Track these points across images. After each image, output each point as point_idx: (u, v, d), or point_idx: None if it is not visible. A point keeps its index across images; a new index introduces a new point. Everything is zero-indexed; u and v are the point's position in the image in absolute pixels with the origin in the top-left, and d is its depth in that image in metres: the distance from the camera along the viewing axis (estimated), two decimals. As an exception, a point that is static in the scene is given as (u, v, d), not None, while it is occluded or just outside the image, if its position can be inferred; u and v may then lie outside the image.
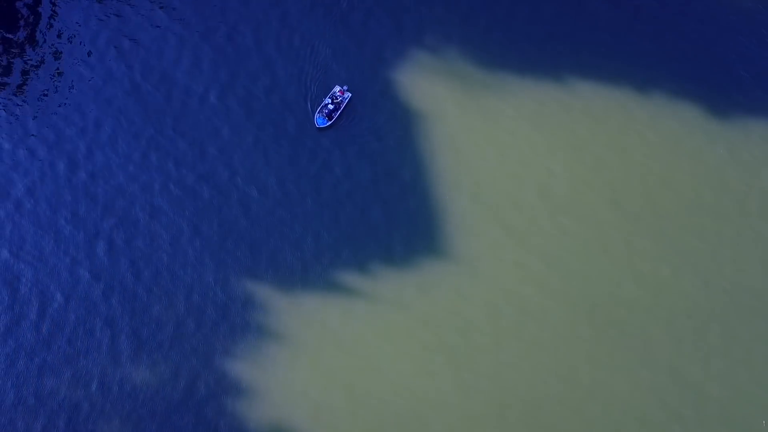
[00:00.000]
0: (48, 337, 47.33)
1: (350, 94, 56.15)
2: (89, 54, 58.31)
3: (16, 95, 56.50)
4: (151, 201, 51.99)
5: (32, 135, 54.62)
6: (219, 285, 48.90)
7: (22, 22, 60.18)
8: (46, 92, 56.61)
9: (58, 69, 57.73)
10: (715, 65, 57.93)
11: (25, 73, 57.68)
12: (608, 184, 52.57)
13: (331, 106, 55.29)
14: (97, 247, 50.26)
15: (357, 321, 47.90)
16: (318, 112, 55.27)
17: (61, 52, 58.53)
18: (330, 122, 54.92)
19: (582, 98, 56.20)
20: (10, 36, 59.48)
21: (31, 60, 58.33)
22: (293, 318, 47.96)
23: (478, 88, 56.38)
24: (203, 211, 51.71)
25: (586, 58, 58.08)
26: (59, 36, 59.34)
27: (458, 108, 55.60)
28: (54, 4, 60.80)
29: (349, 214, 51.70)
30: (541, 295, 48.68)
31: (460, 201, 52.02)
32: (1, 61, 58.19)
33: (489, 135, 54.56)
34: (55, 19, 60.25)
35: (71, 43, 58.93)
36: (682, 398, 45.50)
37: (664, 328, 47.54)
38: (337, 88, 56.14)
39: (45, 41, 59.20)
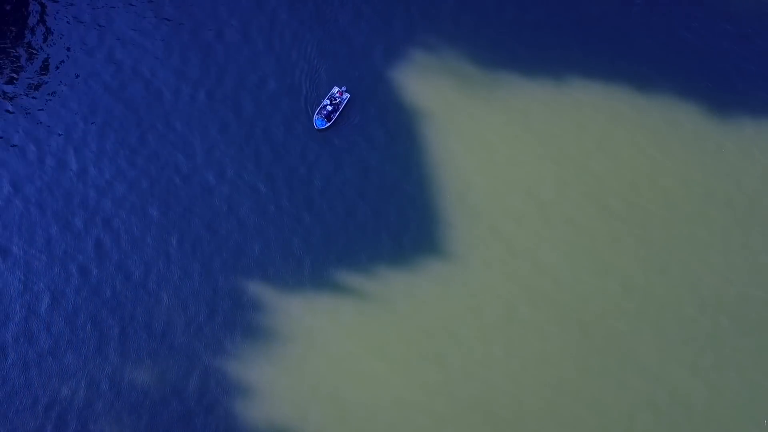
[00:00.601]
0: (49, 335, 47.10)
1: (349, 95, 56.01)
2: (82, 53, 57.82)
3: (7, 93, 56.13)
4: (149, 201, 51.66)
5: (23, 133, 54.30)
6: (220, 284, 48.77)
7: (12, 19, 59.71)
8: (37, 90, 56.09)
9: (50, 67, 57.18)
10: (717, 63, 58.11)
11: (15, 71, 57.17)
12: (607, 184, 52.78)
13: (329, 108, 55.13)
14: (94, 247, 49.98)
15: (349, 320, 47.99)
16: (317, 114, 55.09)
17: (52, 51, 57.96)
18: (329, 123, 54.75)
19: (579, 97, 56.32)
20: (3, 33, 59.08)
21: (29, 59, 57.84)
22: (292, 316, 47.92)
23: (479, 88, 56.36)
24: (204, 210, 51.45)
25: (582, 54, 58.19)
26: (51, 34, 58.83)
27: (458, 108, 55.60)
28: (43, 5, 60.35)
29: (351, 213, 51.67)
30: (535, 296, 48.82)
31: (459, 200, 52.05)
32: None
33: (489, 134, 54.62)
34: (45, 18, 59.69)
35: (63, 40, 58.44)
36: (681, 397, 45.90)
37: (667, 325, 47.98)
38: (336, 89, 55.99)
39: (37, 40, 58.68)
